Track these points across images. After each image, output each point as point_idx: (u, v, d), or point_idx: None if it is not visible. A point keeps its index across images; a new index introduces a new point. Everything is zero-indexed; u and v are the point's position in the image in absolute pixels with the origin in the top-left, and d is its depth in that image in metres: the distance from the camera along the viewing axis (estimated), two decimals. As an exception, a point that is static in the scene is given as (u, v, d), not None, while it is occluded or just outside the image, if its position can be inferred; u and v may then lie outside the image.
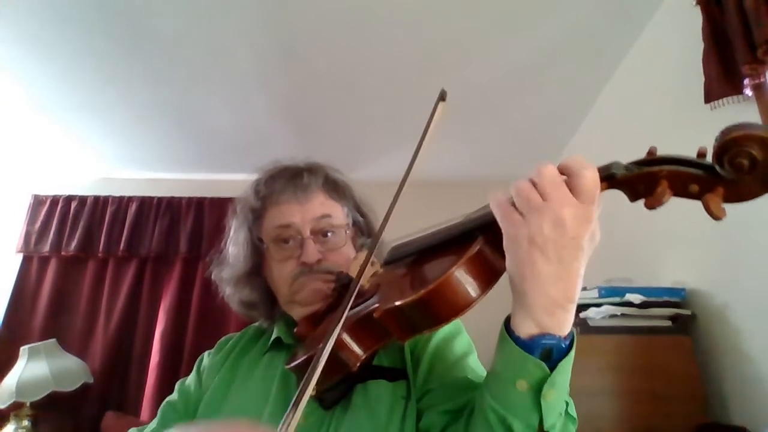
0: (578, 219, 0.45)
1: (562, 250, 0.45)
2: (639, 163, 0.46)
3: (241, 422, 0.55)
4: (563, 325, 0.48)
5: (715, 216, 0.41)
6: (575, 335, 0.50)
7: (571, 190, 0.45)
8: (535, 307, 0.47)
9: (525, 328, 0.48)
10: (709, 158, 0.42)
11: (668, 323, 1.58)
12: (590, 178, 0.45)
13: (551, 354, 0.48)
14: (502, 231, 0.48)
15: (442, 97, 0.68)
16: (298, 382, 0.73)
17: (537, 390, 0.48)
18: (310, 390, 0.51)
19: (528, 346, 0.48)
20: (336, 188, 0.86)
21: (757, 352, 1.39)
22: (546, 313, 0.47)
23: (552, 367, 0.48)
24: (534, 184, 0.47)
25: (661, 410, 1.45)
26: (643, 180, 0.45)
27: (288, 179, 0.83)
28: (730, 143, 0.40)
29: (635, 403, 1.46)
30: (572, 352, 0.50)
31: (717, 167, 0.42)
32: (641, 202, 0.46)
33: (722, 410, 1.47)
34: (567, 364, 0.49)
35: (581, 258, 0.46)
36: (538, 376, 0.48)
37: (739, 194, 0.42)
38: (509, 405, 0.50)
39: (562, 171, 0.47)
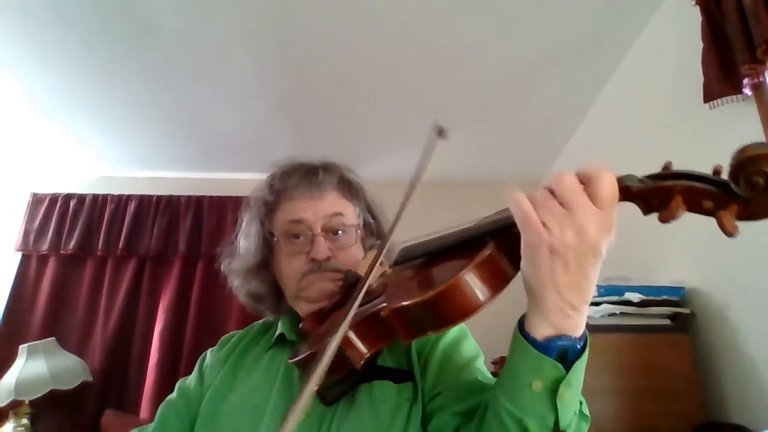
0: (600, 227, 0.45)
1: (582, 258, 0.45)
2: (654, 177, 0.46)
3: None
4: (578, 326, 0.49)
5: (729, 233, 0.41)
6: (587, 335, 0.51)
7: (589, 197, 0.45)
8: (552, 310, 0.47)
9: (541, 331, 0.49)
10: (724, 175, 0.42)
11: (667, 322, 1.58)
12: (609, 183, 0.45)
13: (567, 355, 0.49)
14: (522, 238, 0.48)
15: (440, 134, 0.64)
16: (301, 377, 0.74)
17: (553, 390, 0.49)
18: (314, 382, 0.51)
19: (544, 347, 0.48)
20: (350, 188, 0.86)
21: (756, 351, 1.40)
22: (563, 316, 0.48)
23: (568, 368, 0.49)
24: (552, 193, 0.46)
25: (660, 409, 1.45)
26: (658, 194, 0.45)
27: (303, 175, 0.83)
28: (746, 162, 0.40)
29: (634, 402, 1.47)
30: (586, 352, 0.50)
31: (732, 185, 0.42)
32: None
33: (721, 409, 1.48)
34: (582, 364, 0.50)
35: (599, 264, 0.47)
36: (554, 376, 0.49)
37: (752, 212, 0.42)
38: (525, 406, 0.51)
39: (581, 179, 0.46)
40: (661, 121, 1.84)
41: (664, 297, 1.60)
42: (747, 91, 1.39)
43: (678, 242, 1.74)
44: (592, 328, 1.67)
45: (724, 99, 1.42)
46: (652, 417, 1.45)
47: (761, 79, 1.36)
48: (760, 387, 1.37)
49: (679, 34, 1.71)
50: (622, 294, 1.58)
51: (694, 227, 1.58)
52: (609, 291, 1.60)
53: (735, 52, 1.34)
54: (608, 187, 0.45)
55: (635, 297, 1.57)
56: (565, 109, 2.50)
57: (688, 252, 1.70)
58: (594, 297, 1.59)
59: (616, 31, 1.98)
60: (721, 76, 1.41)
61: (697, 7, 1.49)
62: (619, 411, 1.46)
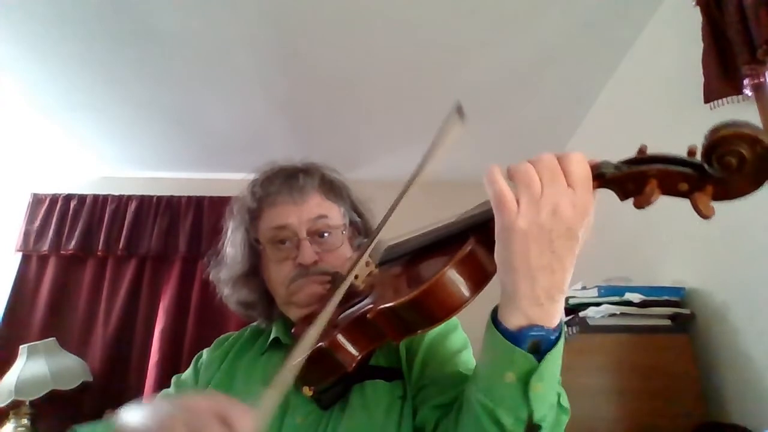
0: (575, 209, 0.44)
1: (556, 241, 0.44)
2: (629, 162, 0.46)
3: (217, 401, 0.49)
4: (552, 317, 0.47)
5: (704, 215, 0.41)
6: (564, 327, 0.50)
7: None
8: (524, 298, 0.46)
9: (513, 320, 0.47)
10: (698, 157, 0.42)
11: (667, 322, 1.58)
12: (579, 161, 0.45)
13: (540, 346, 0.47)
14: (496, 221, 0.47)
15: (459, 112, 0.62)
16: (295, 382, 0.74)
17: (525, 382, 0.47)
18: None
19: (515, 337, 0.47)
20: (332, 189, 0.86)
21: (757, 351, 1.40)
22: (534, 304, 0.46)
23: (540, 359, 0.47)
24: (534, 168, 0.46)
25: (660, 409, 1.45)
26: (633, 179, 0.45)
27: (284, 180, 0.83)
28: (718, 142, 0.40)
29: (634, 403, 1.47)
30: (560, 343, 0.48)
31: (706, 166, 0.42)
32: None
33: (721, 409, 1.48)
34: (555, 356, 0.48)
35: (575, 249, 0.45)
36: (525, 368, 0.47)
37: (728, 193, 0.42)
38: (498, 398, 0.49)
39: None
40: (661, 121, 1.84)
41: (665, 297, 1.60)
42: (747, 91, 1.39)
43: (678, 243, 1.74)
44: (592, 328, 1.67)
45: (724, 99, 1.41)
46: (652, 417, 1.45)
47: (762, 80, 1.36)
48: (760, 387, 1.37)
49: (679, 34, 1.71)
50: (623, 294, 1.58)
51: (694, 227, 1.58)
52: (609, 291, 1.60)
53: (735, 53, 1.34)
54: (578, 165, 0.45)
55: (636, 297, 1.57)
56: (565, 110, 2.50)
57: (688, 252, 1.70)
58: (594, 297, 1.60)
59: (616, 31, 1.98)
60: (722, 77, 1.41)
61: (697, 8, 1.48)
62: (619, 411, 1.46)
